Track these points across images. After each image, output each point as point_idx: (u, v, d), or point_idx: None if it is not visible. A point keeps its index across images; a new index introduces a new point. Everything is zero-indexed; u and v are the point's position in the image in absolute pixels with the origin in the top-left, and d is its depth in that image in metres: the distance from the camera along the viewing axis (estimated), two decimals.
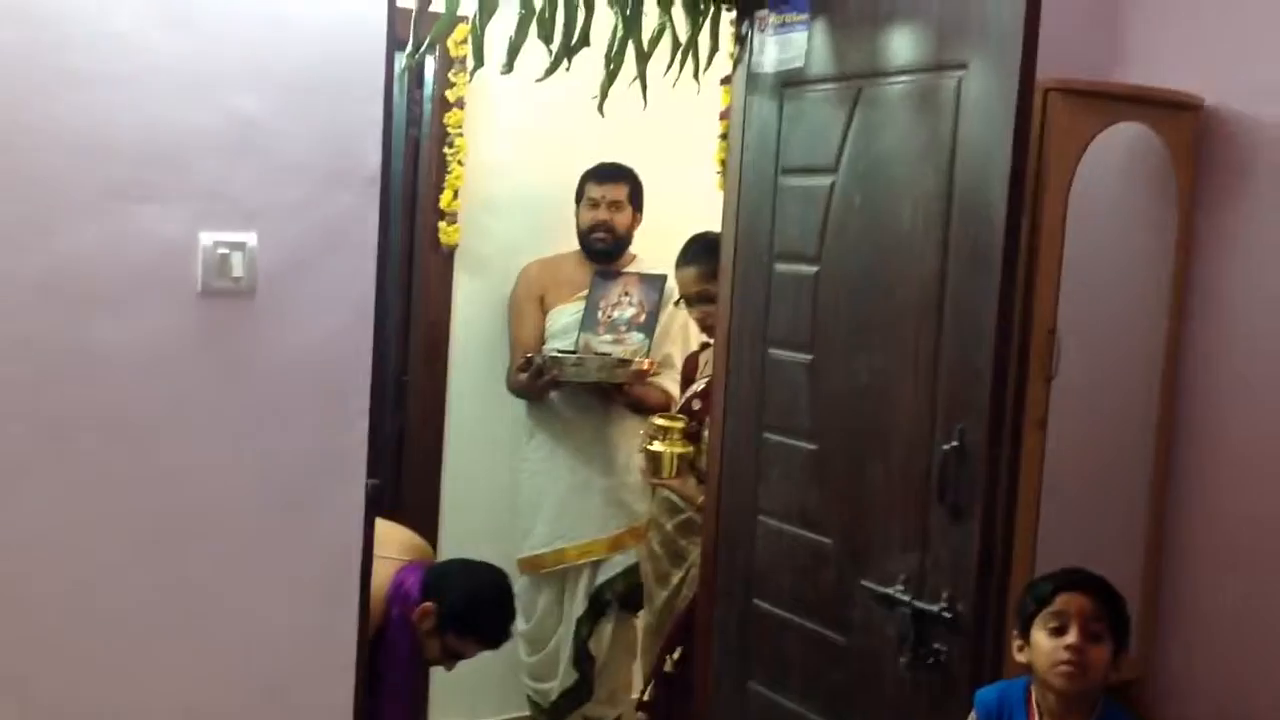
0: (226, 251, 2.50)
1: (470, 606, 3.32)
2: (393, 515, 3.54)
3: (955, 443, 2.51)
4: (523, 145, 4.42)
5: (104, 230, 2.40)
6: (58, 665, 2.46)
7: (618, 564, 4.24)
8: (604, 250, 4.27)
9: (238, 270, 2.51)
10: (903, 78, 2.69)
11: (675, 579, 3.80)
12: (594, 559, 4.25)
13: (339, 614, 2.71)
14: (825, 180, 2.87)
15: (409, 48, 2.97)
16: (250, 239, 2.52)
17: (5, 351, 2.34)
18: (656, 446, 3.78)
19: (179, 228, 2.47)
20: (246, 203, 2.53)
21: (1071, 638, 2.34)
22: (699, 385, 3.87)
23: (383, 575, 3.14)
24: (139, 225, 2.43)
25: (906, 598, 2.61)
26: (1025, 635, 2.43)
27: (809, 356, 2.92)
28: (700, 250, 3.84)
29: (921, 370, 2.62)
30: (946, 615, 2.52)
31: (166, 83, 2.43)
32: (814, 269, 2.90)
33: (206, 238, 2.49)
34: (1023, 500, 2.83)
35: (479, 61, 3.01)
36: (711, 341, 3.77)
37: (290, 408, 2.61)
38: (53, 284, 2.37)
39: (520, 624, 4.32)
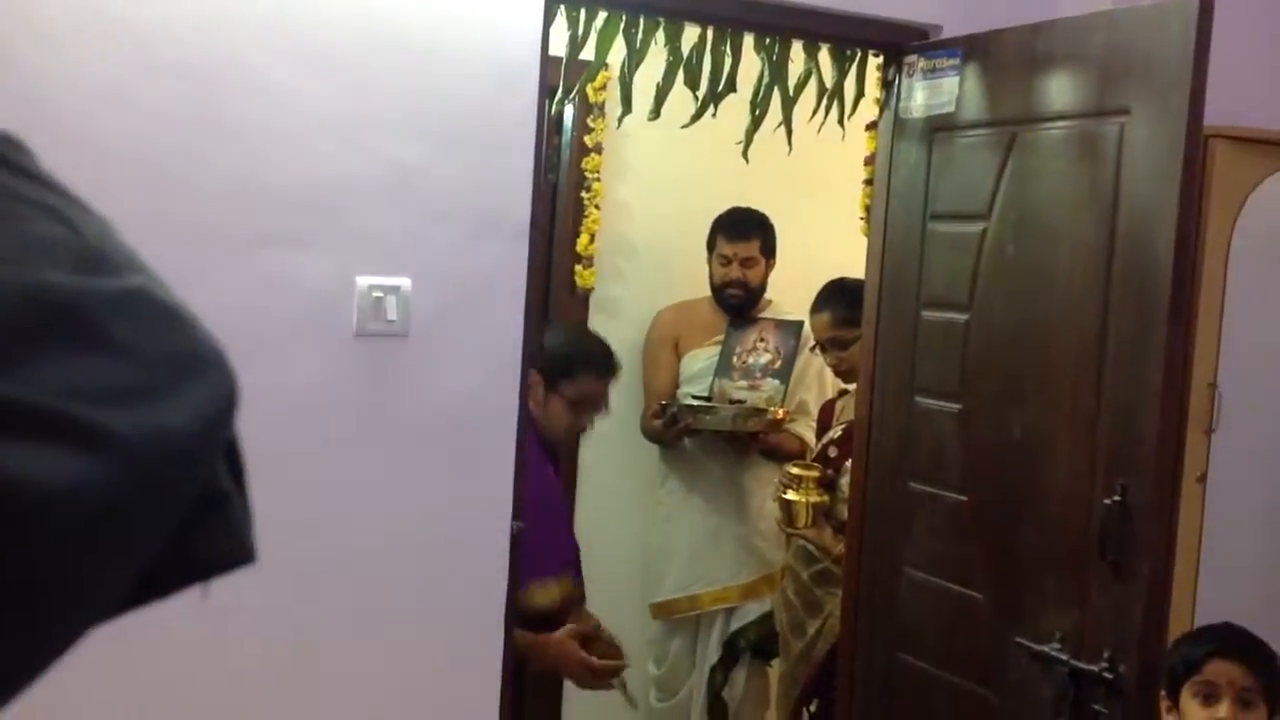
0: (381, 295, 2.53)
1: (564, 347, 3.31)
2: None
3: (1117, 498, 2.44)
4: (659, 190, 4.43)
5: (262, 274, 2.45)
6: (209, 705, 2.49)
7: (751, 612, 4.19)
8: (737, 305, 4.24)
9: (392, 313, 2.55)
10: (1061, 123, 2.64)
11: (811, 629, 3.75)
12: (727, 606, 4.20)
13: (484, 650, 2.71)
14: (976, 227, 2.82)
15: (558, 94, 3.00)
16: (405, 283, 2.55)
17: None
18: (791, 496, 3.73)
19: (335, 272, 2.51)
20: (400, 249, 2.56)
21: (1223, 711, 2.26)
22: (835, 433, 3.82)
23: None
24: (297, 269, 2.48)
25: (1064, 657, 2.53)
26: (1174, 697, 2.34)
27: (958, 406, 2.86)
28: (834, 296, 3.80)
29: (1080, 423, 2.55)
30: (1107, 676, 2.44)
31: (323, 132, 2.48)
32: (964, 317, 2.85)
33: (362, 281, 2.52)
34: (1182, 556, 2.74)
35: (627, 108, 3.03)
36: (849, 389, 3.73)
37: (440, 448, 2.63)
38: (212, 325, 2.40)
39: (652, 669, 4.30)
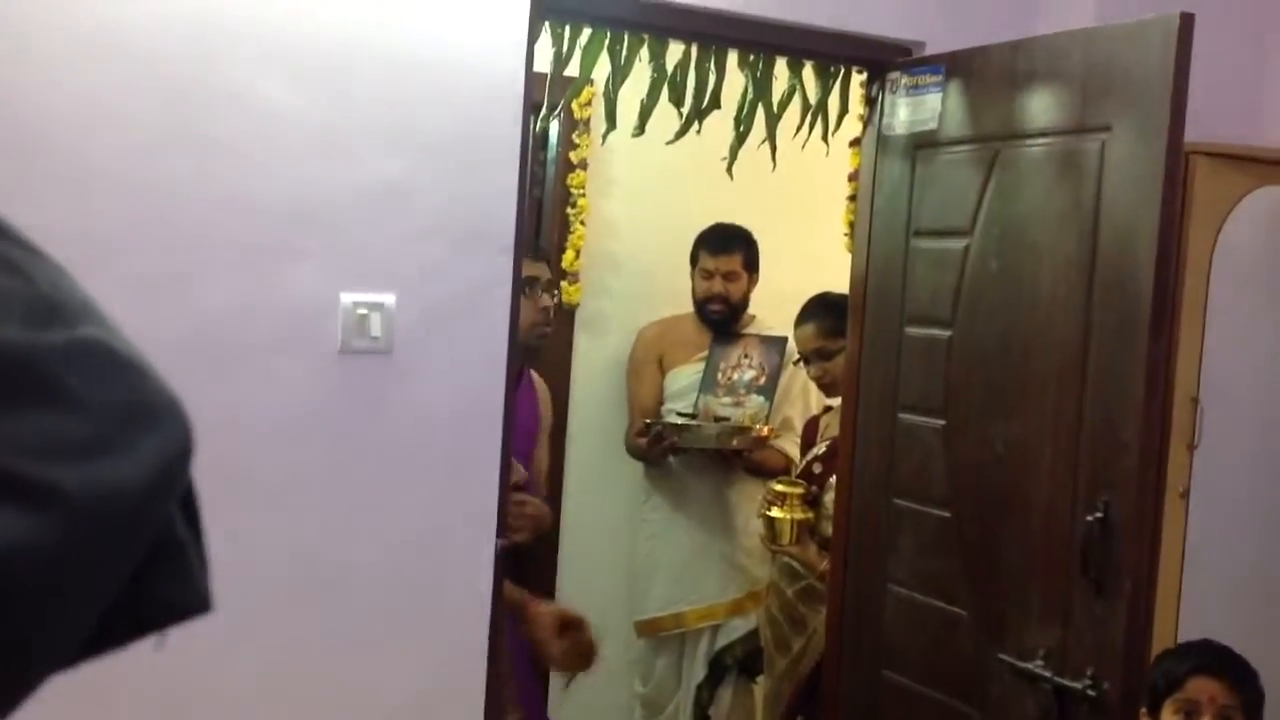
0: (365, 312, 2.53)
1: None
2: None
3: (1099, 514, 2.44)
4: (644, 205, 4.43)
5: (247, 291, 2.45)
6: None
7: (737, 628, 4.18)
8: (719, 320, 4.24)
9: (376, 330, 2.54)
10: (1042, 140, 2.65)
11: (796, 646, 3.74)
12: (713, 623, 4.20)
13: (469, 666, 2.69)
14: (959, 243, 2.83)
15: (543, 111, 3.00)
16: (389, 300, 2.55)
17: None
18: (775, 513, 3.72)
19: (321, 288, 2.51)
20: (385, 265, 2.56)
21: None
22: (820, 449, 3.82)
23: None
24: (282, 286, 2.47)
25: (1047, 673, 2.53)
26: (1155, 714, 2.35)
27: (942, 421, 2.86)
28: (819, 307, 3.81)
29: (1062, 438, 2.55)
30: (1091, 693, 2.44)
31: (308, 149, 2.48)
32: (948, 333, 2.85)
33: (347, 298, 2.52)
34: (1165, 572, 2.75)
35: (611, 124, 3.03)
36: (833, 404, 3.73)
37: (424, 465, 2.62)
38: (196, 342, 2.41)
39: (638, 687, 4.29)
